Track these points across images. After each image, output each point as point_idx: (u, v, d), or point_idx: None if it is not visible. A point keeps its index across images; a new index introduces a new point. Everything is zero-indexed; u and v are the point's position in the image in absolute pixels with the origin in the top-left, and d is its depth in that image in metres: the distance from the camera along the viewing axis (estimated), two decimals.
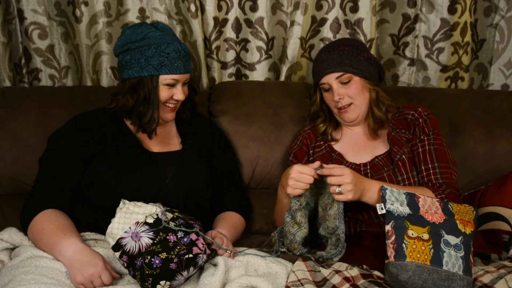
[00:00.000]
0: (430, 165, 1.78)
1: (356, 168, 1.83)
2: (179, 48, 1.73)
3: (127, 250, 1.49)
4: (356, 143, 1.90)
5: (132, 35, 1.73)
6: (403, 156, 1.81)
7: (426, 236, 1.53)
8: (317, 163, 1.62)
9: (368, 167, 1.82)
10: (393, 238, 1.54)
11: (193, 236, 1.52)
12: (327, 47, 1.87)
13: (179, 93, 1.76)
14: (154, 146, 1.82)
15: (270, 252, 1.69)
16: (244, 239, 1.89)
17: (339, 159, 1.87)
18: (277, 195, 1.82)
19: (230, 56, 2.40)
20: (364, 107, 1.83)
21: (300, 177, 1.61)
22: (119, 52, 1.77)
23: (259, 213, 2.09)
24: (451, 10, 2.34)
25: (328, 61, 1.80)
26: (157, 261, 1.47)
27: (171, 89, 1.75)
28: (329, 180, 1.59)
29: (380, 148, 1.86)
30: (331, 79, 1.80)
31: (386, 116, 1.85)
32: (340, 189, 1.58)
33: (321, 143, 1.94)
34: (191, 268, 1.49)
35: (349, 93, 1.79)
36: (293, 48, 2.35)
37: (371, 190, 1.64)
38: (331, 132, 1.93)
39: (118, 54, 1.78)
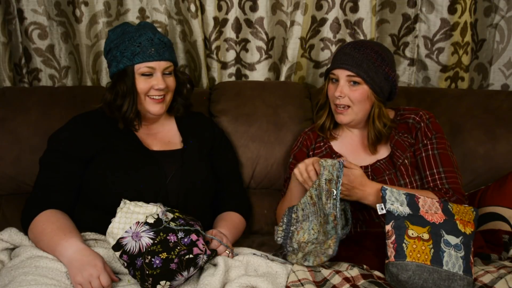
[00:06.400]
0: (435, 170, 1.77)
1: None
2: (152, 36, 1.73)
3: (128, 250, 1.49)
4: (357, 146, 1.89)
5: (112, 35, 1.77)
6: (406, 161, 1.80)
7: (426, 236, 1.53)
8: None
9: (370, 169, 1.82)
10: (393, 237, 1.54)
11: (194, 237, 1.52)
12: (355, 43, 1.85)
13: (158, 82, 1.73)
14: (155, 145, 1.82)
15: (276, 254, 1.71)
16: (244, 239, 1.89)
17: None
18: (288, 189, 1.84)
19: (230, 56, 2.40)
20: (360, 115, 1.81)
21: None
22: (105, 55, 1.80)
23: (259, 213, 2.09)
24: (451, 10, 2.34)
25: (348, 56, 1.76)
26: (157, 261, 1.47)
27: (149, 79, 1.73)
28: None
29: (381, 151, 1.85)
30: (342, 74, 1.77)
31: (385, 131, 1.82)
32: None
33: (321, 144, 1.93)
34: (191, 269, 1.49)
35: (351, 96, 1.77)
36: (293, 48, 2.34)
37: (372, 193, 1.65)
38: (330, 128, 1.91)
39: (106, 58, 1.81)
